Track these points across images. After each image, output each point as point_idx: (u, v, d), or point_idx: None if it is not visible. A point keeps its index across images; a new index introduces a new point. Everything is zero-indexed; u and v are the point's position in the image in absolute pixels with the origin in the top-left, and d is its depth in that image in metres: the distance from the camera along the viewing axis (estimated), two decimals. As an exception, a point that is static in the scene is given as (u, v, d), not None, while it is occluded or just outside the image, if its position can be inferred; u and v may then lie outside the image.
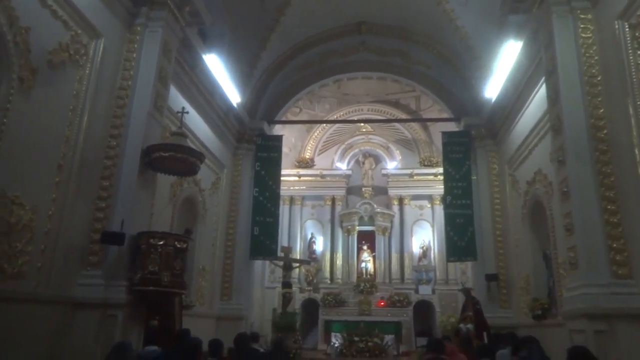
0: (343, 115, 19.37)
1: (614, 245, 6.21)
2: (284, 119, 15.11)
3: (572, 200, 6.71)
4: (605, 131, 6.62)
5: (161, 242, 6.85)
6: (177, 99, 9.76)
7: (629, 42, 6.22)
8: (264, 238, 12.76)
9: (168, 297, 7.02)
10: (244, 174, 13.30)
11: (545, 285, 9.69)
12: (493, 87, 11.77)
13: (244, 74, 13.14)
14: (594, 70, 6.87)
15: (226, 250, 12.65)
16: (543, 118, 9.18)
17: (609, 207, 6.35)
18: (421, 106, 19.05)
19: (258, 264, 16.81)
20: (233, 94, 12.36)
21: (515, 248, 11.32)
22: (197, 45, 9.89)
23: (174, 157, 7.21)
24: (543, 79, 9.00)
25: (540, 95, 9.38)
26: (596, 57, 6.92)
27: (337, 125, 19.38)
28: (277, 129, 15.06)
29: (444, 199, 12.82)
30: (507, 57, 10.43)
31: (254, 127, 13.52)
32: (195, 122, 10.77)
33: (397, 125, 19.16)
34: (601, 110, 6.70)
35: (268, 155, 13.34)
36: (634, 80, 6.10)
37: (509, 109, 11.32)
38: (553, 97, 7.36)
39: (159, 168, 7.62)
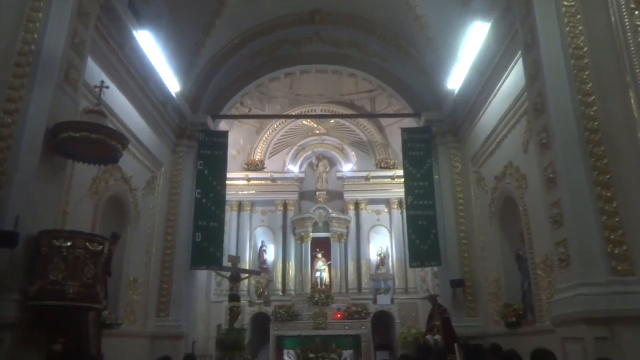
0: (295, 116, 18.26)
1: (612, 237, 5.39)
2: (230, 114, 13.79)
3: (560, 188, 5.87)
4: (595, 108, 5.84)
5: (68, 244, 5.41)
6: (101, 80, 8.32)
7: (622, 3, 5.46)
8: (208, 245, 11.33)
9: (76, 313, 5.56)
10: (185, 174, 11.87)
11: (518, 289, 8.86)
12: (455, 79, 11.05)
13: (186, 62, 11.80)
14: (579, 41, 6.10)
15: (163, 260, 11.13)
16: (514, 105, 8.46)
17: (603, 193, 5.54)
18: (376, 107, 18.26)
19: (203, 275, 15.35)
20: (172, 83, 10.98)
21: (481, 251, 10.51)
22: (127, 19, 8.49)
23: (88, 139, 5.79)
24: (513, 63, 8.38)
25: (510, 81, 8.68)
26: (580, 27, 6.16)
27: (288, 126, 18.23)
28: (223, 126, 13.74)
29: (405, 200, 11.91)
30: (471, 44, 9.72)
31: (196, 122, 12.15)
32: (126, 110, 9.35)
33: (351, 126, 18.26)
34: (589, 85, 5.92)
35: (212, 153, 11.96)
36: (631, 47, 5.31)
37: (472, 101, 10.59)
38: (532, 74, 6.56)
39: (70, 153, 6.18)
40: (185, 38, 11.39)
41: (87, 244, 5.53)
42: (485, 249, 10.28)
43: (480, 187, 10.47)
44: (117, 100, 8.94)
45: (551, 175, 6.00)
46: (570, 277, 5.61)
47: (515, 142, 8.55)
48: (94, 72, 7.73)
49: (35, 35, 6.11)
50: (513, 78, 8.53)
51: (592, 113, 5.83)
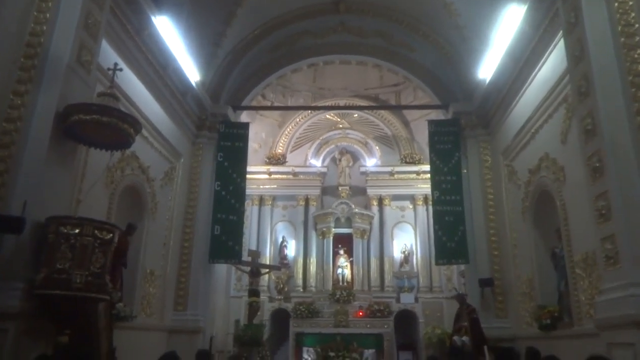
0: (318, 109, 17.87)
1: (667, 231, 4.81)
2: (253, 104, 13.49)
3: (607, 178, 5.33)
4: (647, 90, 5.26)
5: (75, 231, 5.14)
6: (125, 72, 8.06)
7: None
8: (226, 238, 11.04)
9: (84, 304, 5.28)
10: (205, 166, 11.60)
11: (553, 289, 8.28)
12: (487, 68, 10.49)
13: (207, 53, 11.54)
14: (629, 18, 5.54)
15: (182, 252, 10.89)
16: (552, 92, 7.88)
17: (657, 183, 4.96)
18: (402, 101, 17.70)
19: (223, 270, 15.14)
20: (192, 73, 10.71)
21: (513, 248, 9.93)
22: (145, 4, 8.24)
23: (99, 122, 5.52)
24: (551, 47, 7.82)
25: (547, 67, 8.11)
26: (631, 2, 5.59)
27: (311, 120, 17.85)
28: (244, 118, 13.44)
29: (431, 195, 11.39)
30: (505, 30, 9.15)
31: (216, 113, 11.86)
32: (144, 98, 9.11)
33: (375, 120, 17.77)
34: (641, 65, 5.34)
35: (232, 145, 11.67)
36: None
37: (505, 91, 10.01)
38: (576, 55, 6.01)
39: (81, 138, 5.92)
40: (206, 27, 11.12)
41: (96, 231, 5.26)
42: (517, 246, 9.71)
43: (512, 181, 9.89)
44: (135, 87, 8.71)
45: (597, 165, 5.46)
46: (618, 276, 5.07)
47: (553, 133, 7.97)
48: (111, 57, 7.46)
49: (48, 15, 5.87)
50: (551, 64, 7.97)
51: (644, 95, 5.26)
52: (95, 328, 5.67)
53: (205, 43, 11.32)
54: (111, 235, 5.43)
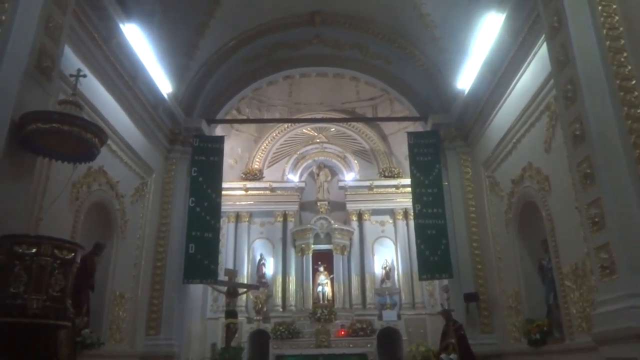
0: (295, 125, 17.62)
1: (665, 237, 4.62)
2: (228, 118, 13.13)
3: (599, 184, 5.13)
4: (636, 94, 5.16)
5: (32, 251, 4.63)
6: (89, 80, 7.60)
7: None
8: (202, 257, 10.53)
9: (42, 332, 4.75)
10: (178, 181, 11.13)
11: (541, 302, 8.05)
12: (465, 79, 10.40)
13: (180, 65, 11.17)
14: (613, 21, 5.44)
15: (154, 273, 10.32)
16: (533, 101, 7.78)
17: (651, 187, 4.78)
18: (379, 115, 17.65)
19: (198, 290, 14.57)
20: (164, 85, 10.31)
21: (497, 261, 9.72)
22: (113, 10, 7.84)
23: (59, 131, 5.07)
24: (531, 56, 7.77)
25: (528, 75, 8.02)
26: (614, 6, 5.50)
27: (288, 135, 17.61)
28: (219, 132, 13.04)
29: (413, 208, 11.15)
30: (483, 40, 9.07)
31: (190, 127, 11.45)
32: (112, 110, 8.67)
33: (353, 134, 17.63)
34: (628, 69, 5.25)
35: (207, 159, 11.24)
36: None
37: (484, 101, 9.91)
38: (561, 59, 5.87)
39: (40, 149, 5.43)
40: (178, 38, 10.76)
41: (56, 251, 4.75)
42: (502, 259, 9.50)
43: (495, 192, 9.73)
44: (102, 98, 8.26)
45: (588, 171, 5.27)
46: (616, 286, 4.84)
47: (535, 142, 7.84)
48: (75, 65, 7.02)
49: (3, 17, 5.41)
50: (531, 72, 7.87)
51: (632, 99, 5.14)
52: (56, 359, 5.12)
53: (178, 54, 10.96)
54: (73, 254, 4.93)
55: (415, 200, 11.09)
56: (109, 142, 8.36)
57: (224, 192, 15.51)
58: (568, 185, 6.72)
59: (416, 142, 11.51)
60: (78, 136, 5.18)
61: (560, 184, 7.06)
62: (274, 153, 17.42)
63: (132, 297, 9.36)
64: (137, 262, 9.67)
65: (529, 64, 7.89)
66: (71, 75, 6.03)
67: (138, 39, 8.91)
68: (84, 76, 5.98)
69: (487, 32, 8.79)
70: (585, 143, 5.35)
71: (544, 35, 6.71)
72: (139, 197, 9.78)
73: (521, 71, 8.21)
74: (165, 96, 10.32)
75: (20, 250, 4.60)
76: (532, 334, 7.80)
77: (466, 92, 10.32)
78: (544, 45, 7.12)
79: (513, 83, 8.58)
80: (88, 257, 7.85)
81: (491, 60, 9.02)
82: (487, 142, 10.13)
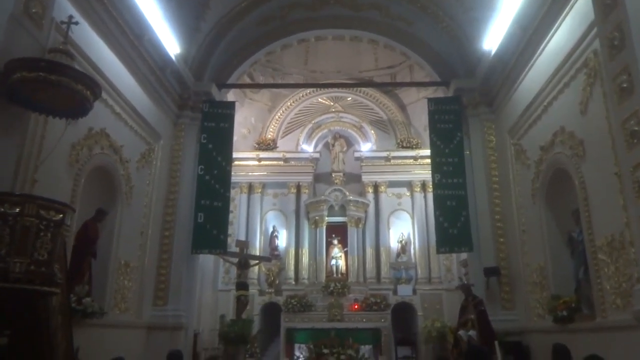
0: (310, 93, 17.02)
1: None
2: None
3: (649, 142, 4.50)
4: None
5: (15, 210, 4.24)
6: (88, 35, 7.19)
7: None
8: (211, 227, 10.17)
9: (29, 298, 4.41)
10: (187, 148, 10.71)
11: (569, 277, 7.52)
12: (491, 40, 9.67)
13: (190, 26, 10.63)
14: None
15: (162, 242, 10.00)
16: (568, 59, 7.10)
17: None
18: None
19: (209, 262, 14.33)
20: (172, 46, 9.79)
21: (521, 234, 9.15)
22: (113, -40, 7.31)
23: (46, 81, 4.63)
24: (567, 8, 7.02)
25: (562, 31, 7.33)
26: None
27: (303, 104, 16.98)
28: (230, 97, 12.53)
29: (432, 178, 10.57)
30: (513, -4, 8.32)
31: (199, 91, 10.96)
32: (116, 70, 8.22)
33: (370, 104, 16.93)
34: (688, 10, 4.53)
35: (217, 126, 10.78)
36: None
37: (512, 63, 9.20)
38: (608, 2, 5.17)
39: (29, 103, 5.01)
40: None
41: (42, 211, 4.36)
42: (526, 232, 8.93)
43: (521, 161, 9.10)
44: (106, 57, 7.80)
45: (635, 128, 4.66)
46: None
47: (569, 104, 7.17)
48: (81, 28, 6.56)
49: (-14, -43, 4.95)
50: (566, 27, 7.17)
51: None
52: (47, 327, 4.80)
53: (188, 15, 10.40)
54: (61, 216, 4.54)
55: (435, 169, 10.50)
56: (112, 103, 8.04)
57: (236, 162, 15.26)
58: (606, 149, 6.12)
59: (436, 109, 10.85)
60: (68, 87, 4.75)
61: (596, 149, 6.44)
62: (288, 123, 16.87)
63: (139, 266, 9.07)
64: (144, 230, 9.34)
65: (564, 17, 7.17)
66: (62, 22, 5.55)
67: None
68: (76, 23, 5.49)
69: (518, -16, 8.06)
70: (633, 96, 4.72)
71: (584, -19, 5.99)
72: (145, 163, 9.38)
73: (555, 26, 7.50)
74: (174, 58, 9.81)
75: (2, 210, 4.22)
76: (558, 310, 7.29)
77: (492, 53, 9.60)
78: (583, -6, 6.44)
79: (545, 40, 7.86)
80: (90, 223, 7.57)
81: (522, 16, 8.29)
82: (513, 107, 9.45)
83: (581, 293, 7.08)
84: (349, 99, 16.98)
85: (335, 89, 16.81)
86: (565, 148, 7.26)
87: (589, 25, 6.32)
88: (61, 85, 4.70)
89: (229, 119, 10.94)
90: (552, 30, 7.60)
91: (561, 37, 7.37)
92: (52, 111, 5.24)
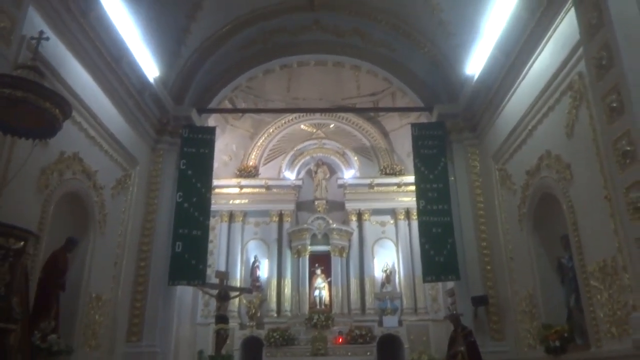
0: (292, 120, 16.93)
1: None
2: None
3: (643, 162, 4.37)
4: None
5: (-33, 237, 3.86)
6: (65, 57, 6.95)
7: None
8: (189, 257, 9.74)
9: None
10: (165, 174, 10.39)
11: (560, 305, 7.29)
12: (473, 66, 9.72)
13: (170, 51, 10.50)
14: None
15: (137, 274, 9.54)
16: (552, 82, 7.08)
17: None
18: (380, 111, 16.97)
19: (188, 294, 13.77)
20: (151, 69, 9.59)
21: (509, 261, 8.96)
22: (90, -18, 7.12)
23: (11, 98, 4.31)
24: (550, 31, 7.15)
25: (546, 54, 7.34)
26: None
27: (285, 131, 16.85)
28: (211, 123, 12.28)
29: (417, 204, 10.37)
30: (495, 19, 8.39)
31: (179, 116, 10.71)
32: (92, 93, 7.97)
33: (353, 131, 16.89)
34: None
35: (197, 151, 10.48)
36: None
37: (495, 88, 9.20)
38: (594, 22, 5.14)
39: (-9, 122, 4.67)
40: (169, 22, 10.08)
41: None
42: (514, 259, 8.74)
43: (506, 186, 8.98)
44: (80, 79, 7.54)
45: (627, 148, 4.53)
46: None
47: (555, 127, 7.11)
48: (51, 42, 6.31)
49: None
50: (550, 50, 7.18)
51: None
52: (1, 367, 4.33)
53: (168, 39, 10.27)
54: (22, 243, 4.16)
55: (420, 196, 10.33)
56: (86, 126, 7.72)
57: (217, 190, 14.94)
58: (594, 172, 6.03)
59: (420, 134, 10.77)
60: (34, 104, 4.42)
61: (584, 172, 6.34)
62: (270, 150, 16.67)
63: (111, 299, 8.58)
64: (118, 261, 8.89)
65: (547, 41, 7.19)
66: (32, 38, 5.28)
67: (123, 18, 8.23)
68: (47, 39, 5.20)
69: (500, 9, 8.12)
70: (624, 115, 4.62)
71: (567, 4, 5.99)
72: (120, 190, 9.01)
73: (538, 50, 7.51)
74: (153, 81, 9.59)
75: (-49, 237, 3.83)
76: (550, 340, 7.02)
77: (475, 78, 9.61)
78: (566, 17, 6.49)
79: (528, 64, 7.87)
80: (59, 253, 7.11)
81: (504, 41, 8.32)
82: (497, 132, 9.41)
83: (573, 322, 6.86)
84: (331, 126, 16.92)
85: (318, 116, 16.78)
86: (552, 172, 7.16)
87: (573, 48, 6.32)
88: (27, 102, 4.38)
89: (210, 144, 10.67)
90: (535, 54, 7.61)
91: (544, 60, 7.37)
92: (18, 131, 4.89)
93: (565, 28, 6.54)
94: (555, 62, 6.92)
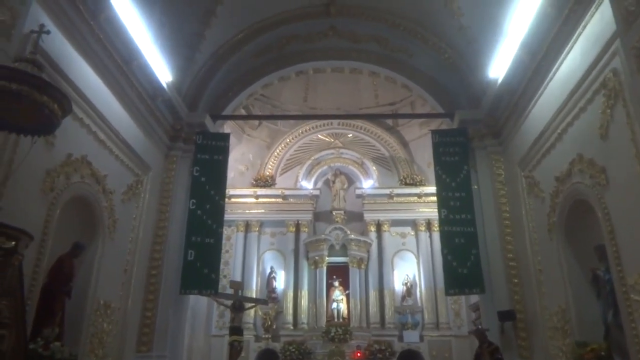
0: (310, 130, 16.67)
1: None
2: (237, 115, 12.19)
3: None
4: None
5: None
6: (72, 57, 6.81)
7: None
8: (202, 265, 9.45)
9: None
10: (179, 181, 10.17)
11: (596, 321, 6.72)
12: (496, 69, 9.29)
13: (184, 57, 10.36)
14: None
15: (148, 282, 9.28)
16: (584, 81, 6.62)
17: None
18: (399, 121, 16.60)
19: (202, 304, 13.52)
20: (164, 75, 9.42)
21: (537, 274, 8.41)
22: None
23: (5, 91, 4.09)
24: (579, 28, 6.66)
25: (575, 53, 6.91)
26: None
27: (302, 140, 16.59)
28: (225, 130, 12.09)
29: (439, 214, 9.91)
30: (520, 19, 7.98)
31: (193, 122, 10.53)
32: (103, 97, 7.81)
33: (372, 141, 16.53)
34: None
35: (210, 158, 10.26)
36: None
37: (520, 90, 8.77)
38: (632, 9, 4.73)
39: (-11, 118, 4.47)
40: (183, 26, 9.96)
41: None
42: (544, 271, 8.19)
43: (534, 194, 8.48)
44: (91, 81, 7.39)
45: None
46: None
47: (587, 129, 6.63)
48: (58, 42, 6.21)
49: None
50: (580, 47, 6.73)
51: None
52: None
53: (182, 44, 10.14)
54: (13, 243, 3.91)
55: (441, 205, 9.87)
56: (95, 129, 7.55)
57: (233, 200, 14.73)
58: (632, 175, 5.56)
59: (441, 141, 10.35)
60: (30, 98, 4.20)
61: (620, 176, 5.85)
62: (287, 160, 16.41)
63: (120, 307, 8.31)
64: (128, 268, 8.64)
65: (577, 38, 6.75)
66: (33, 32, 5.09)
67: (135, 21, 8.09)
68: (48, 32, 5.01)
69: (525, 8, 7.72)
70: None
71: (598, -3, 5.58)
72: (132, 196, 8.80)
73: (567, 49, 7.07)
74: (165, 86, 9.41)
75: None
76: (585, 359, 6.46)
77: (499, 82, 9.19)
78: (597, 12, 6.05)
79: (556, 64, 7.43)
80: (65, 258, 6.90)
81: (530, 40, 7.91)
82: (523, 137, 8.93)
83: (611, 339, 6.30)
84: (349, 135, 16.61)
85: (335, 125, 16.52)
86: (585, 177, 6.66)
87: (607, 43, 5.88)
88: (22, 96, 4.17)
89: (224, 151, 10.44)
90: (564, 53, 7.17)
91: (574, 59, 6.93)
92: (15, 127, 4.68)
93: (597, 23, 6.12)
94: (587, 60, 6.47)
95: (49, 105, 4.33)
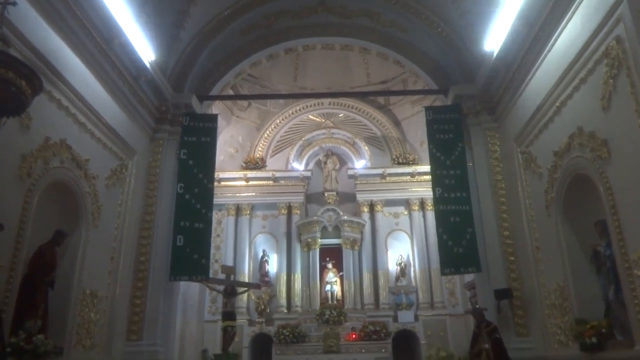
0: (300, 110, 16.31)
1: None
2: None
3: None
4: None
5: None
6: (47, 35, 6.41)
7: None
8: (191, 250, 9.18)
9: None
10: (165, 165, 9.86)
11: (596, 298, 6.60)
12: (491, 43, 9.00)
13: (168, 35, 9.96)
14: None
15: (136, 269, 9.04)
16: (585, 51, 6.38)
17: None
18: (390, 99, 16.31)
19: (194, 290, 13.33)
20: (147, 54, 9.01)
21: (535, 251, 8.27)
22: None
23: (-32, 68, 3.74)
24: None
25: (575, 23, 6.68)
26: None
27: (293, 121, 16.23)
28: (218, 119, 11.66)
29: (433, 192, 9.69)
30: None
31: (179, 103, 10.17)
32: (84, 78, 7.46)
33: (363, 120, 16.21)
34: None
35: (198, 140, 9.91)
36: None
37: (517, 63, 8.50)
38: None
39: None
40: (166, 3, 9.51)
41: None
42: (541, 248, 8.05)
43: (531, 170, 8.28)
44: (68, 61, 7.02)
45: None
46: None
47: (588, 101, 6.41)
48: (31, 18, 5.80)
49: None
50: (581, 16, 6.47)
51: None
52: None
53: (166, 22, 9.75)
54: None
55: (436, 183, 9.65)
56: (75, 112, 7.19)
57: (223, 183, 14.42)
58: (636, 148, 5.36)
59: (435, 118, 10.07)
60: (-5, 76, 3.85)
61: (623, 148, 5.66)
62: (277, 141, 16.07)
63: (108, 296, 8.07)
64: (115, 255, 8.37)
65: (578, 5, 6.49)
66: (-2, 3, 4.71)
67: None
68: (14, 4, 4.61)
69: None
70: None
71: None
72: (116, 181, 8.47)
73: (566, 18, 6.81)
74: (149, 66, 9.00)
75: None
76: (586, 337, 6.34)
77: (494, 55, 8.90)
78: (601, -24, 5.75)
79: (555, 34, 7.18)
80: (46, 247, 6.59)
81: (527, 11, 7.63)
82: (519, 112, 8.70)
83: (612, 316, 6.17)
84: (340, 115, 16.28)
85: (326, 105, 16.18)
86: (585, 151, 6.46)
87: (610, 9, 5.64)
88: (-12, 74, 3.83)
89: (211, 133, 10.09)
90: (563, 23, 6.91)
91: (574, 28, 6.66)
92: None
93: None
94: (588, 28, 6.21)
95: (15, 82, 4.00)
